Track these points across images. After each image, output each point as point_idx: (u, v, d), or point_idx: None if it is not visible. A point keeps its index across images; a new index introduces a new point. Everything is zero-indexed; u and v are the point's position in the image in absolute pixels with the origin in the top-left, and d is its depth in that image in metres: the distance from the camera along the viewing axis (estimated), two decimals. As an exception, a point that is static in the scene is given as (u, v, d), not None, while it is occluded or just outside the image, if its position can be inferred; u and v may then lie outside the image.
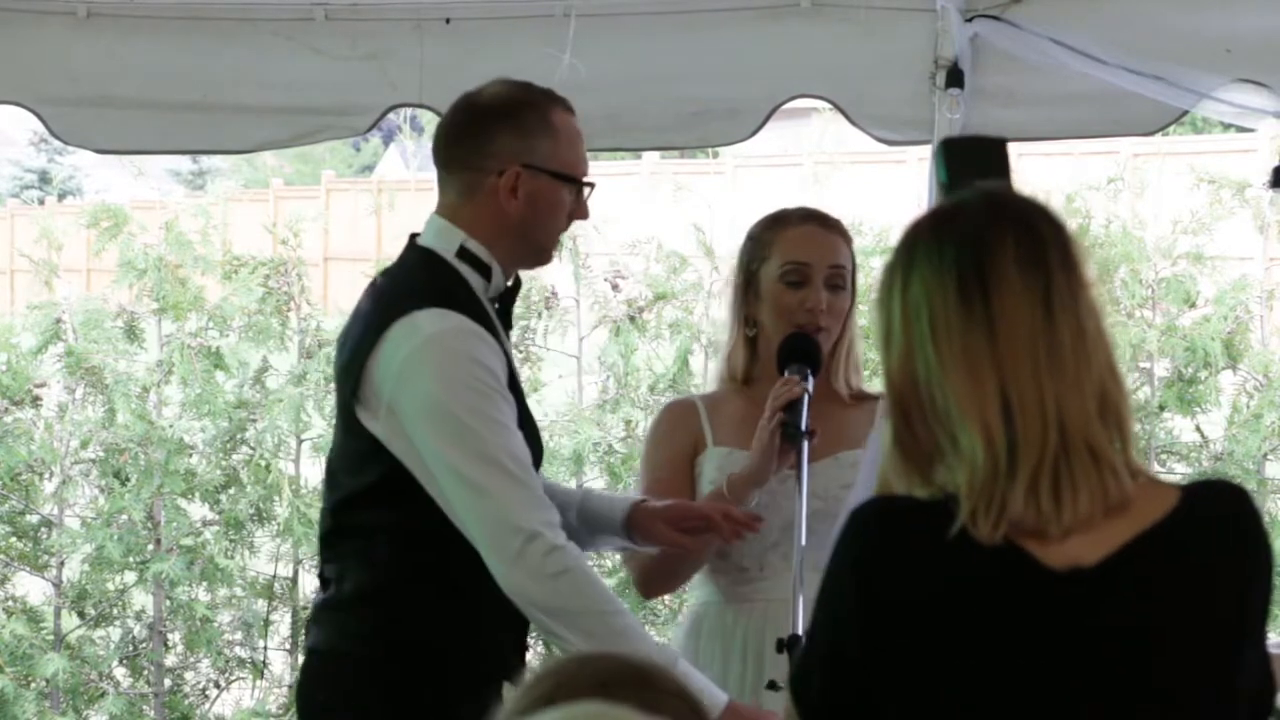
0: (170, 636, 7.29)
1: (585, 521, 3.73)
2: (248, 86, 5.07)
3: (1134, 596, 2.27)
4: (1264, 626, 2.35)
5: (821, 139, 13.03)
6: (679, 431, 3.99)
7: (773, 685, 3.39)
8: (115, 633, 7.27)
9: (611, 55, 4.93)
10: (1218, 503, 2.34)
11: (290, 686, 7.28)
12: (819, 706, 2.36)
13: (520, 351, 7.15)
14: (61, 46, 5.04)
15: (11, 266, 21.54)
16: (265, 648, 7.32)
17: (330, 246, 19.96)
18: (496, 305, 3.55)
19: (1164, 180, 7.64)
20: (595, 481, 7.18)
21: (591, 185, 3.57)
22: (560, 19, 4.88)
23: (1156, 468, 6.96)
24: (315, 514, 6.97)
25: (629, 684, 1.87)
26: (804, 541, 3.53)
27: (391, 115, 5.68)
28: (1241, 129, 6.54)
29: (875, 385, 3.83)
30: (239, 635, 7.30)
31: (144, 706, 7.24)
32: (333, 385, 6.75)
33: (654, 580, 4.00)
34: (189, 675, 7.34)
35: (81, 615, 7.24)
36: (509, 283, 3.58)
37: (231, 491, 7.21)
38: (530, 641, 3.73)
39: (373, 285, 3.64)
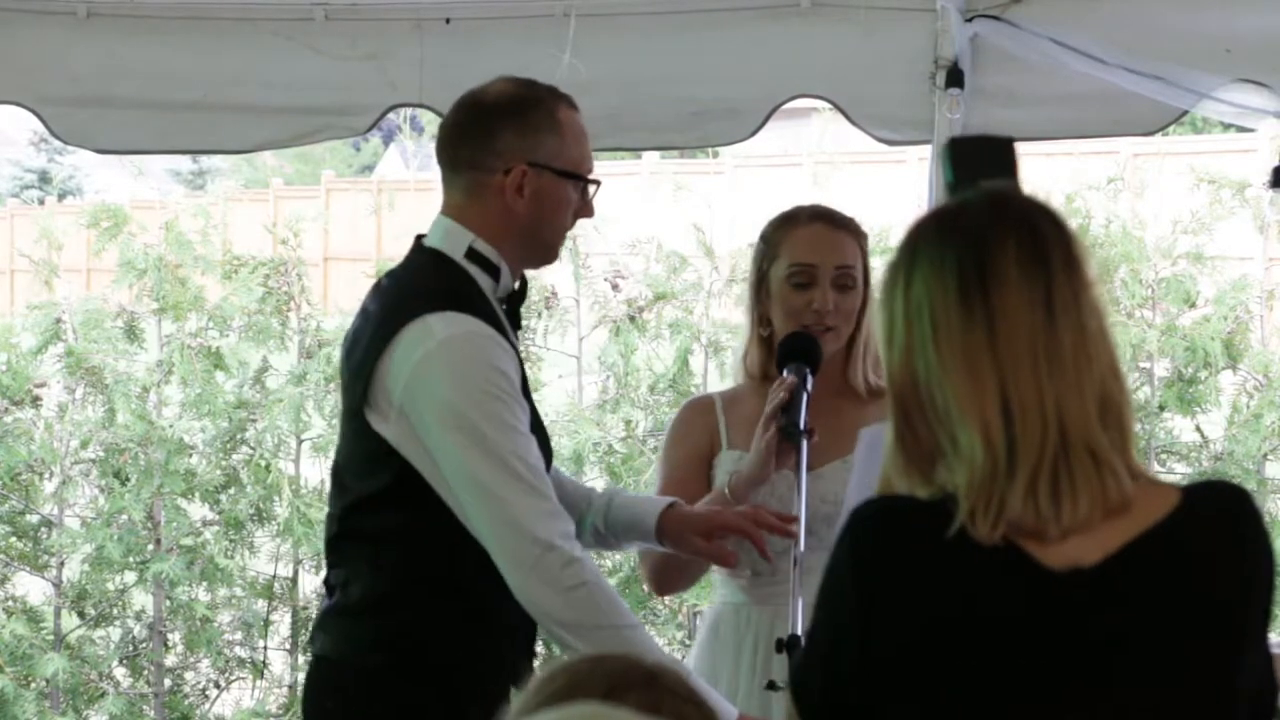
0: (170, 636, 7.29)
1: (613, 524, 3.71)
2: (248, 86, 5.07)
3: (1133, 597, 2.27)
4: (1265, 627, 2.35)
5: (821, 139, 13.02)
6: (696, 429, 4.00)
7: (772, 685, 3.39)
8: (115, 633, 7.27)
9: (611, 55, 4.92)
10: (1218, 503, 2.34)
11: (290, 687, 7.28)
12: (819, 706, 2.36)
13: (520, 351, 7.14)
14: (61, 46, 5.04)
15: (11, 266, 21.55)
16: (265, 648, 7.32)
17: (330, 246, 19.97)
18: (504, 307, 3.54)
19: (1164, 180, 7.63)
20: (595, 481, 7.17)
21: (597, 183, 3.55)
22: (560, 19, 4.88)
23: (1156, 468, 6.96)
24: (315, 514, 6.98)
25: (638, 685, 1.87)
26: (804, 540, 3.53)
27: (391, 115, 5.68)
28: (1241, 129, 6.53)
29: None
30: (239, 635, 7.30)
31: (144, 706, 7.24)
32: (333, 385, 6.69)
33: (667, 577, 4.00)
34: (189, 675, 7.34)
35: (81, 615, 7.24)
36: (516, 284, 3.57)
37: (231, 491, 7.21)
38: (539, 652, 3.72)
39: (378, 287, 3.62)
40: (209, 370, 7.22)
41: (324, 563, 3.74)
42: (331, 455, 3.71)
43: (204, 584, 7.20)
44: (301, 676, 7.12)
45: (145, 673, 7.27)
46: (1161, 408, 7.06)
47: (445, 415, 3.36)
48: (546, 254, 3.61)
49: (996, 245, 2.29)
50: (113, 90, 5.06)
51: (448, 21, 4.99)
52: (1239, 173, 7.60)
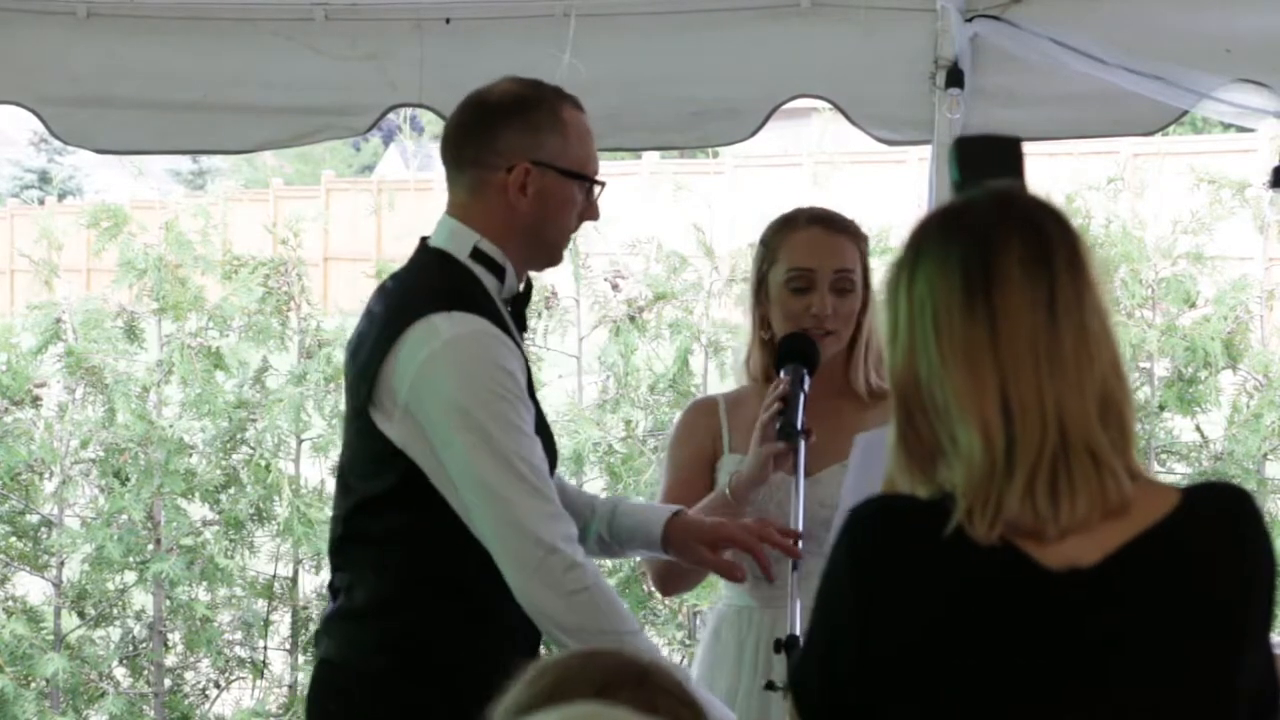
0: (170, 636, 7.29)
1: (618, 532, 3.70)
2: (248, 86, 5.07)
3: (1132, 598, 2.27)
4: (1266, 628, 2.34)
5: (821, 139, 13.01)
6: (700, 431, 4.01)
7: (770, 686, 3.40)
8: (115, 633, 7.27)
9: (611, 55, 4.92)
10: (1218, 504, 2.34)
11: (290, 686, 7.28)
12: (818, 706, 2.36)
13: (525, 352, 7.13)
14: (61, 46, 5.04)
15: (11, 266, 21.55)
16: (265, 648, 7.32)
17: (330, 246, 19.98)
18: (509, 308, 3.52)
19: (1164, 180, 7.63)
20: (595, 481, 7.17)
21: (602, 184, 3.54)
22: (560, 19, 4.88)
23: (1156, 468, 6.96)
24: (315, 514, 6.97)
25: (630, 683, 1.87)
26: (801, 544, 3.53)
27: (391, 115, 5.68)
28: (1241, 129, 6.52)
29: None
30: (239, 635, 7.30)
31: (144, 706, 7.24)
32: (333, 385, 6.69)
33: (672, 579, 4.01)
34: (189, 675, 7.33)
35: (81, 615, 7.24)
36: (521, 286, 3.55)
37: (231, 491, 7.21)
38: (542, 653, 3.71)
39: (382, 288, 3.61)
40: (209, 370, 7.22)
41: (324, 562, 3.74)
42: (332, 455, 3.71)
43: (204, 584, 7.20)
44: (301, 676, 7.13)
45: (145, 673, 7.27)
46: (1161, 408, 7.05)
47: (451, 414, 3.35)
48: (551, 254, 3.59)
49: (1000, 244, 2.29)
50: (113, 90, 5.06)
51: (448, 21, 4.99)
52: (1239, 173, 7.60)
